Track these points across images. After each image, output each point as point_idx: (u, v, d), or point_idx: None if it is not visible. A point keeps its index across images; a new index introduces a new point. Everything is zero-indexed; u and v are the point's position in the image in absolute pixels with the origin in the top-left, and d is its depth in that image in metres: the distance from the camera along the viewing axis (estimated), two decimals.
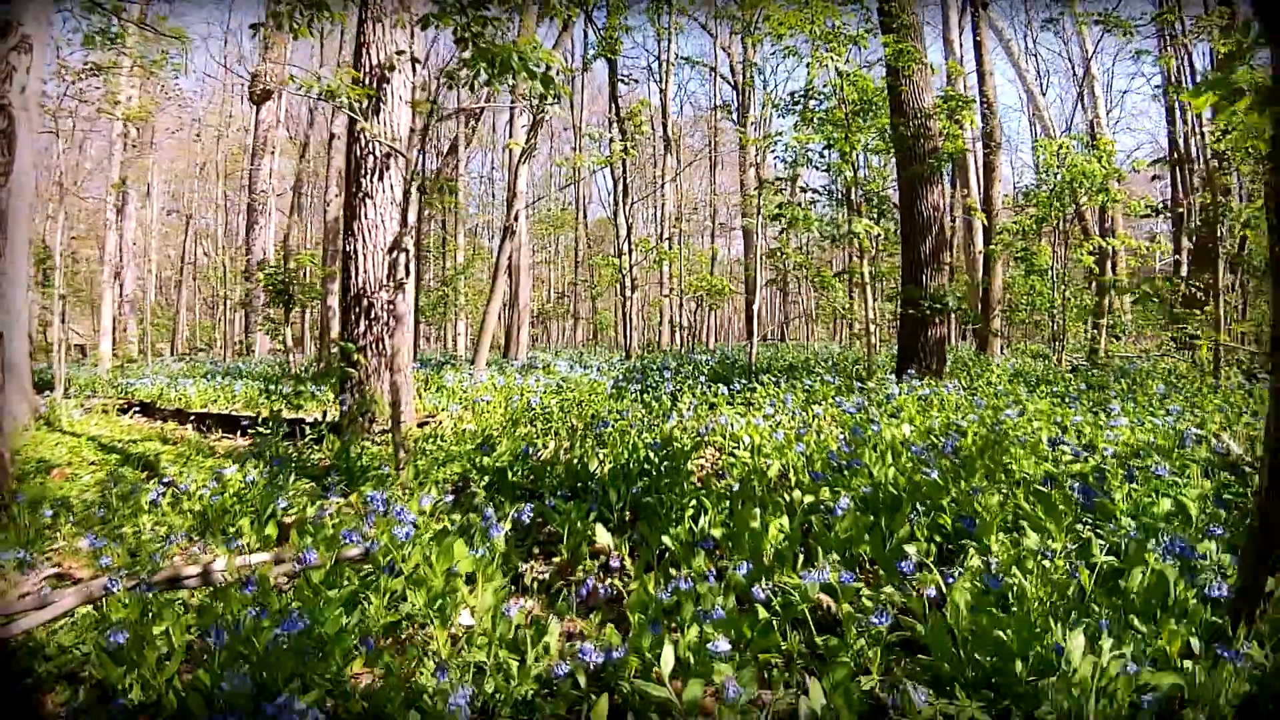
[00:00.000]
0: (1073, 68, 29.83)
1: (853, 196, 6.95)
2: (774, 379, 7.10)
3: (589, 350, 21.17)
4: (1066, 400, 6.51)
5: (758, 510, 2.68)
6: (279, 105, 27.81)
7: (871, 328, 6.96)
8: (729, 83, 33.03)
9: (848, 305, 13.13)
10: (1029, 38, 27.85)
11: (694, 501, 2.92)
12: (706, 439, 4.45)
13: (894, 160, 10.24)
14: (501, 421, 5.32)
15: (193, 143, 35.44)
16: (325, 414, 6.45)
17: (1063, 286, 11.90)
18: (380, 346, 5.94)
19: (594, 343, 24.10)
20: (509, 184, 7.90)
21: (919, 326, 8.78)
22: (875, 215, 6.84)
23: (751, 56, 26.35)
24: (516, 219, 7.91)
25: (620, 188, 11.72)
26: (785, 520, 2.66)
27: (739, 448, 4.32)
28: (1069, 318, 11.92)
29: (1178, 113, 22.82)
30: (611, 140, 7.68)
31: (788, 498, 3.11)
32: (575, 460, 3.68)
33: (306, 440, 5.95)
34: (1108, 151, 12.38)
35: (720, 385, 6.76)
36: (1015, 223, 12.14)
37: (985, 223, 12.91)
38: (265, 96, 27.34)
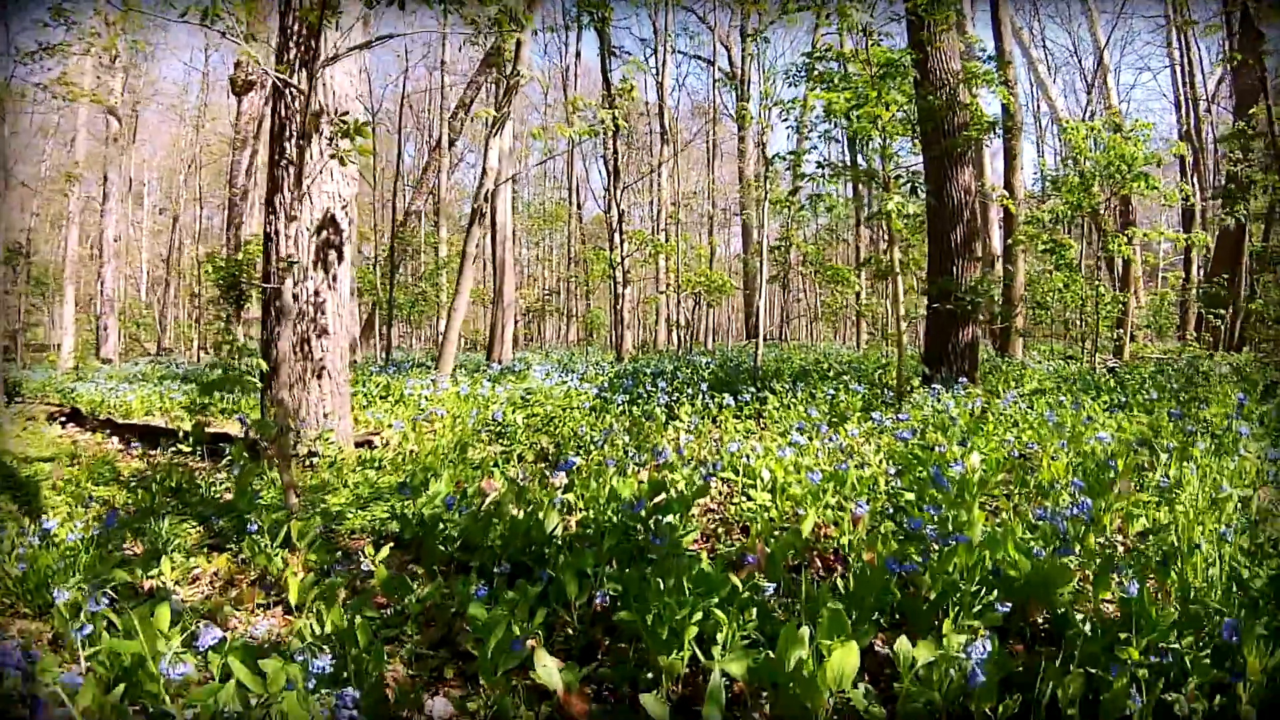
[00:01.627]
0: (1079, 61, 28.91)
1: (882, 171, 5.84)
2: (786, 386, 6.00)
3: (580, 351, 20.04)
4: (1134, 411, 5.42)
5: (806, 632, 1.57)
6: (260, 96, 26.67)
7: (903, 326, 5.86)
8: (727, 75, 31.97)
9: (866, 301, 11.99)
10: (1034, 30, 26.82)
11: (698, 604, 1.81)
12: (711, 472, 3.34)
13: (903, 145, 9.16)
14: (455, 441, 4.19)
15: (177, 137, 34.24)
16: (248, 430, 5.32)
17: (1096, 281, 10.84)
18: (306, 349, 4.81)
19: (587, 342, 22.93)
20: (482, 160, 6.80)
21: (949, 325, 7.68)
22: (906, 194, 5.73)
23: (749, 48, 25.27)
24: (487, 200, 6.81)
25: (611, 167, 10.56)
26: (854, 653, 1.55)
27: (755, 484, 3.22)
28: (1102, 315, 10.86)
29: (1185, 107, 21.89)
30: (600, 108, 6.62)
31: (844, 586, 2.01)
32: (527, 520, 2.56)
33: (224, 462, 4.86)
34: (1144, 135, 11.30)
35: (724, 394, 5.67)
36: (1048, 211, 11.05)
37: (1013, 210, 11.81)
38: (248, 87, 26.15)
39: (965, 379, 7.42)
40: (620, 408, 5.11)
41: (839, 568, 2.57)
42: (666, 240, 12.76)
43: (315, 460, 4.68)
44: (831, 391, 5.52)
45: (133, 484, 4.54)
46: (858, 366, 7.99)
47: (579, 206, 30.22)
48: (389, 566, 2.99)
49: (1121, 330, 12.67)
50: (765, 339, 25.02)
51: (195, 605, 2.94)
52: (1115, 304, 11.39)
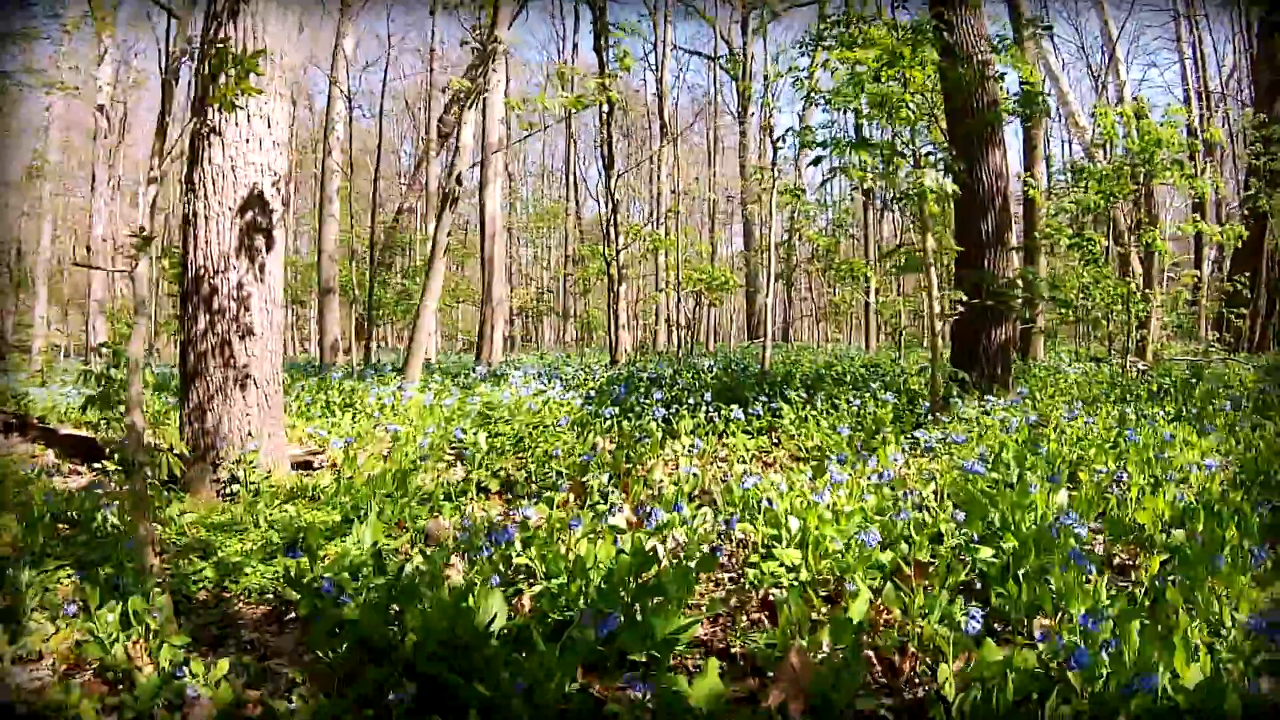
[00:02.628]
0: (1086, 57, 28.18)
1: (913, 145, 5.03)
2: (800, 394, 5.17)
3: (576, 353, 19.20)
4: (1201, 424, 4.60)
5: None
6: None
7: (938, 325, 5.04)
8: (728, 73, 31.13)
9: (882, 299, 11.13)
10: (1044, 20, 26.03)
11: None
12: (719, 529, 2.53)
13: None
14: (395, 471, 3.37)
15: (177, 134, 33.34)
16: (172, 446, 4.48)
17: (1128, 279, 10.03)
18: (227, 354, 3.98)
19: (583, 343, 22.07)
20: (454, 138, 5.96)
21: (980, 324, 6.84)
22: (941, 172, 4.90)
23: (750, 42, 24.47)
24: (460, 181, 6.00)
25: (606, 154, 9.67)
26: None
27: (780, 536, 2.40)
28: (1134, 314, 10.04)
29: (1194, 102, 21.11)
30: (591, 79, 5.78)
31: None
32: (453, 607, 1.74)
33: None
34: (1177, 120, 10.51)
35: (731, 404, 4.85)
36: (1075, 201, 10.23)
37: (1038, 199, 11.00)
38: None
39: (997, 384, 6.62)
40: (609, 421, 4.29)
41: (918, 686, 1.74)
42: (666, 235, 11.94)
43: (236, 489, 3.86)
44: (857, 401, 4.70)
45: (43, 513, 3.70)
46: (878, 370, 7.16)
47: (578, 205, 29.38)
48: (275, 657, 2.17)
49: (1144, 330, 11.85)
50: (768, 340, 24.18)
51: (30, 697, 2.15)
52: (1145, 302, 10.58)
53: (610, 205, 9.83)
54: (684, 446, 4.04)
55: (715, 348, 22.71)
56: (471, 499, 3.18)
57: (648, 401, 4.58)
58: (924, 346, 14.46)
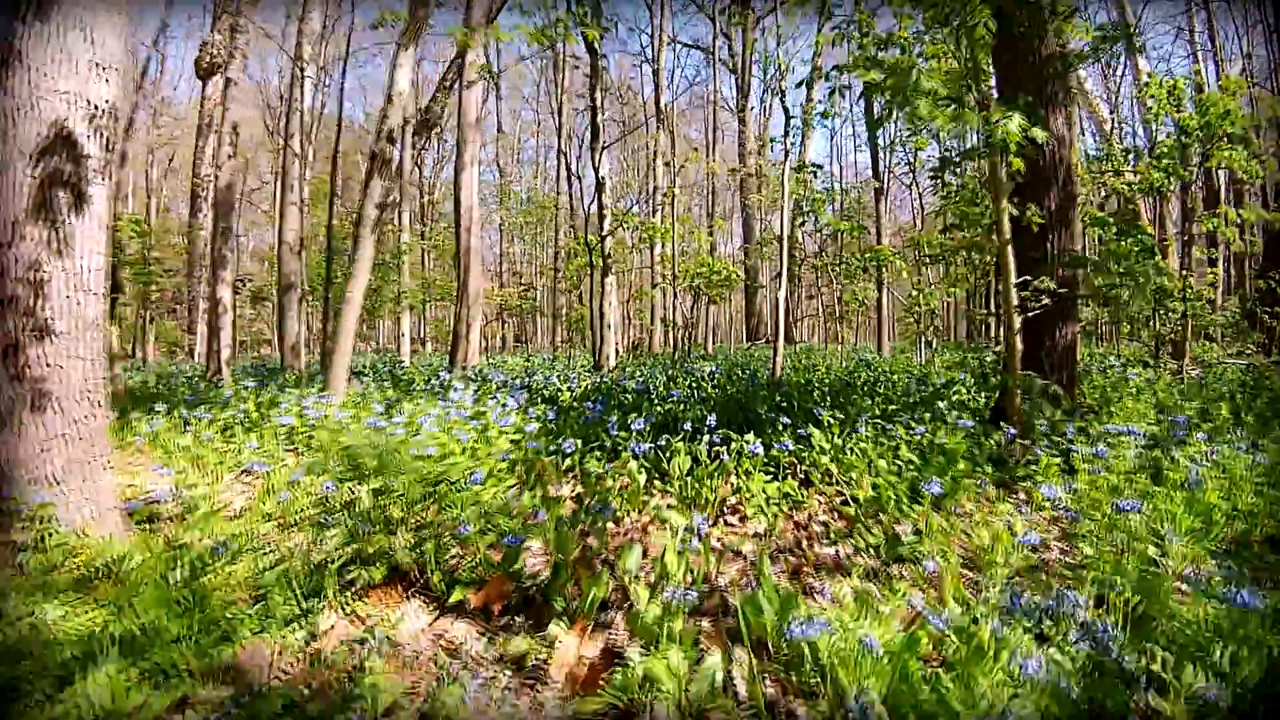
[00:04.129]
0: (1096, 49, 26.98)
1: (975, 86, 3.81)
2: (831, 412, 3.94)
3: (564, 354, 17.92)
4: None
5: None
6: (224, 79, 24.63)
7: (1016, 321, 3.82)
8: (728, 67, 29.90)
9: (919, 289, 9.82)
10: None
11: None
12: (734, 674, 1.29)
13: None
14: (231, 543, 2.14)
15: (154, 128, 32.19)
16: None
17: (1186, 273, 8.83)
18: (15, 361, 2.75)
19: (571, 344, 20.73)
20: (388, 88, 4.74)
21: (1043, 322, 5.63)
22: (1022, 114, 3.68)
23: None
24: (392, 140, 4.75)
25: (591, 124, 8.33)
26: None
27: None
28: (1192, 312, 8.83)
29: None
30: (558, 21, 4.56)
31: None
32: None
33: None
34: (1237, 92, 9.29)
35: (742, 426, 3.64)
36: (1130, 185, 9.00)
37: (1082, 175, 9.78)
38: (212, 70, 24.24)
39: (1064, 392, 5.42)
40: (570, 459, 3.05)
41: None
42: (660, 222, 10.61)
43: (27, 558, 2.63)
44: (916, 424, 3.46)
45: None
46: (919, 378, 5.91)
47: (571, 200, 28.07)
48: None
49: (1185, 330, 10.63)
50: (766, 341, 22.72)
51: None
52: (1200, 299, 9.37)
53: (596, 181, 8.48)
54: (678, 494, 2.80)
55: (715, 349, 21.42)
56: (330, 601, 1.94)
57: (626, 433, 3.32)
58: (934, 346, 13.20)
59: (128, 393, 8.03)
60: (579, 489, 2.76)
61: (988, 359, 6.00)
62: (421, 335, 32.12)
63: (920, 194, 14.12)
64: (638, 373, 7.18)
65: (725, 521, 2.94)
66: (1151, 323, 10.24)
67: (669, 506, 2.71)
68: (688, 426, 3.23)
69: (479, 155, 10.75)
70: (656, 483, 3.16)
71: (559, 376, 6.73)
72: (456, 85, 12.99)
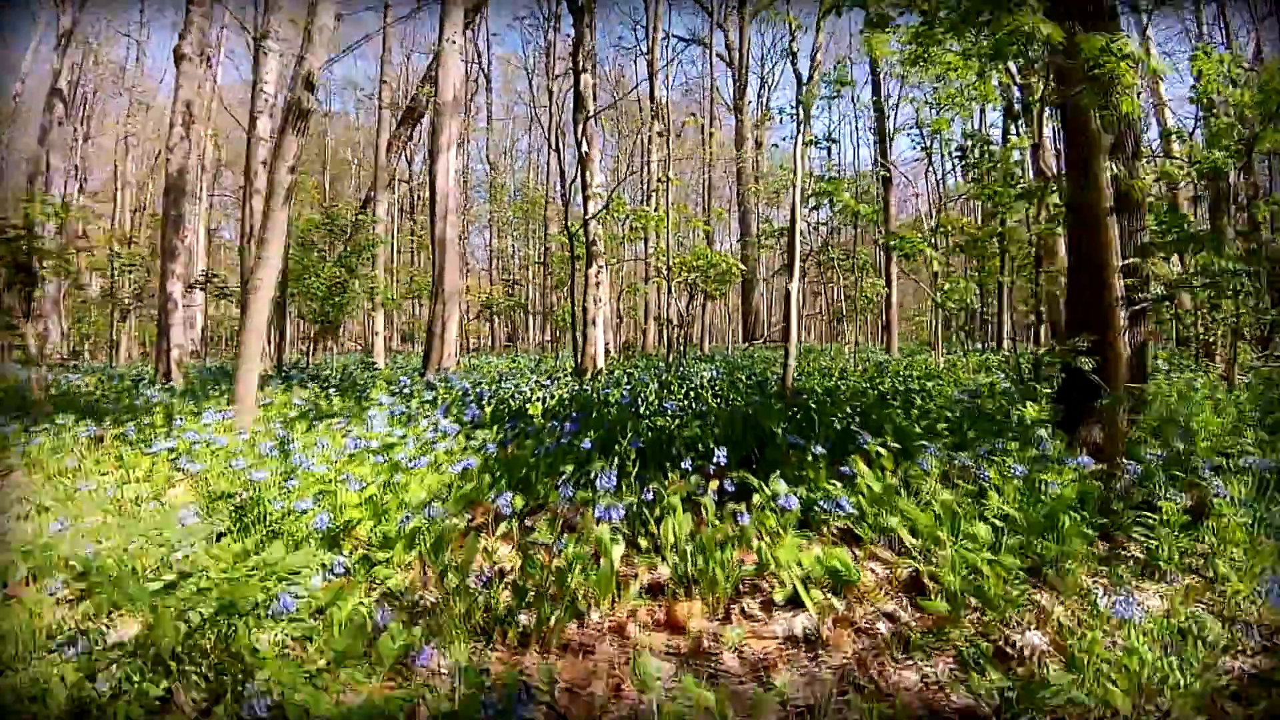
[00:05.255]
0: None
1: (1033, 18, 2.91)
2: (887, 442, 3.01)
3: (551, 355, 16.93)
4: None
5: None
6: (209, 73, 23.63)
7: (1119, 318, 2.90)
8: (725, 60, 28.96)
9: (950, 283, 8.80)
10: None
11: None
12: None
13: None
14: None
15: (126, 118, 31.06)
16: None
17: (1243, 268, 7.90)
18: None
19: (557, 344, 19.71)
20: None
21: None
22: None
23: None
24: (311, 87, 3.78)
25: (575, 82, 7.22)
26: None
27: None
28: (1245, 316, 7.93)
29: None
30: None
31: None
32: None
33: None
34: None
35: (750, 457, 2.70)
36: (1183, 167, 8.08)
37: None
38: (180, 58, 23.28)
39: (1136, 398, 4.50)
40: (509, 520, 2.11)
41: None
42: (655, 210, 9.60)
43: None
44: (1007, 461, 2.53)
45: None
46: (972, 391, 4.97)
47: (562, 194, 27.09)
48: None
49: (1235, 329, 9.72)
50: (764, 342, 21.67)
51: None
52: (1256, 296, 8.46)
53: (580, 155, 7.39)
54: (674, 571, 1.86)
55: (711, 349, 20.42)
56: None
57: (603, 468, 2.37)
58: (954, 343, 12.24)
59: (47, 398, 7.08)
60: (522, 564, 1.82)
61: (1046, 359, 5.09)
62: (412, 334, 31.12)
63: (939, 180, 13.19)
64: (627, 378, 6.20)
65: (744, 610, 2.00)
66: (1204, 327, 9.33)
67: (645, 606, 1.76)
68: (686, 464, 2.30)
69: (456, 137, 9.76)
70: (642, 540, 2.22)
71: (534, 384, 5.71)
72: (435, 63, 12.01)
